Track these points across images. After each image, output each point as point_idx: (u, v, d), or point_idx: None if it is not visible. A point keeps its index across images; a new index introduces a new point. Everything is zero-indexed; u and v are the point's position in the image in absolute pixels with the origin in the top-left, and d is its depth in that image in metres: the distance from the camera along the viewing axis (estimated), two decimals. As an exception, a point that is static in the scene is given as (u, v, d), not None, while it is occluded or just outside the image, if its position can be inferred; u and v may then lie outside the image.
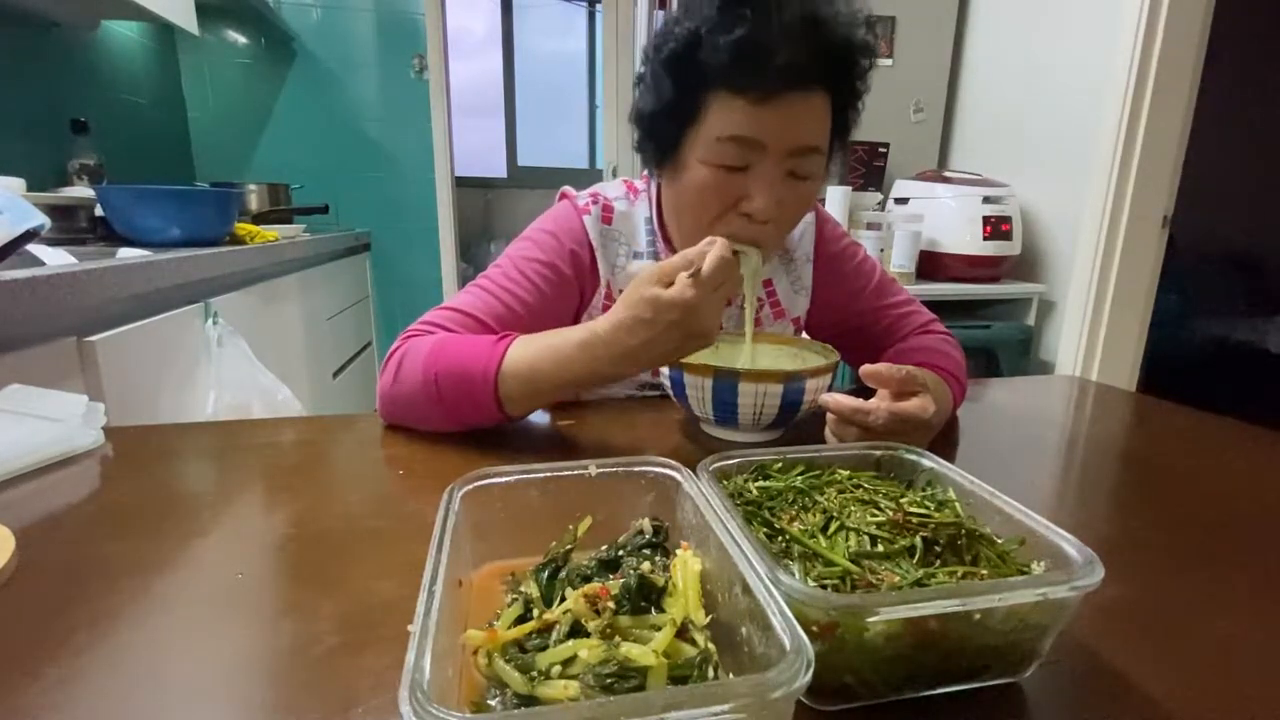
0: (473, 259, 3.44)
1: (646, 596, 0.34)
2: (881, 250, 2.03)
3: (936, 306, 1.00)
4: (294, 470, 0.64)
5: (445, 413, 0.67)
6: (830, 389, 0.68)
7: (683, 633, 0.32)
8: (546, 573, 0.37)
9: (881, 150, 2.31)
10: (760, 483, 0.46)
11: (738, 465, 0.48)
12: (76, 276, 0.89)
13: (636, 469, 0.44)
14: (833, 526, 0.41)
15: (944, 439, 0.72)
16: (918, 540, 0.38)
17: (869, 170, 2.31)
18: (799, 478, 0.46)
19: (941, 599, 0.31)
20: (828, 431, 0.67)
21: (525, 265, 0.79)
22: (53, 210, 1.36)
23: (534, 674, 0.29)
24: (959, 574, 0.37)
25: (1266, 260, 3.02)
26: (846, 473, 0.47)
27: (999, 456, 0.73)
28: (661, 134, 0.73)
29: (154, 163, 2.32)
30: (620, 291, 0.74)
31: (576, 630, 0.32)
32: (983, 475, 0.44)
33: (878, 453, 0.50)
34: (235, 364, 1.29)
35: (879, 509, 0.42)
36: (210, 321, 1.26)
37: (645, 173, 0.84)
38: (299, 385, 1.75)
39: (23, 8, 1.64)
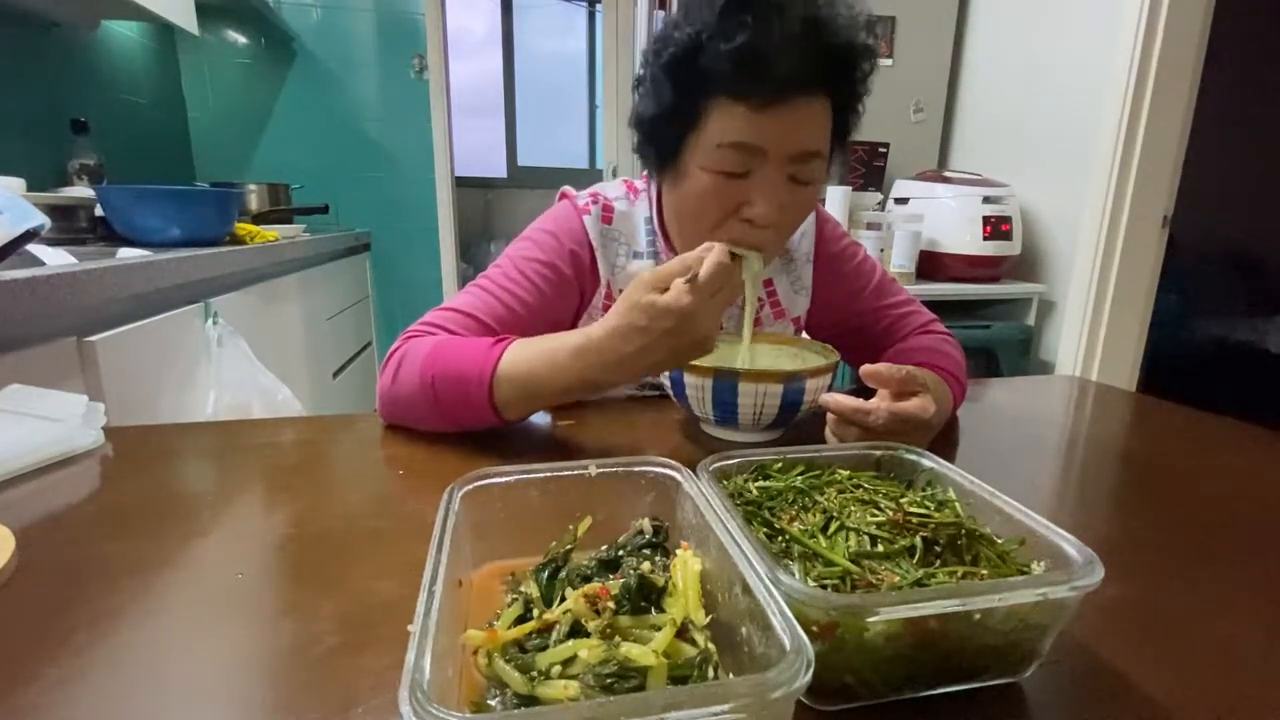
0: (473, 259, 3.44)
1: (646, 596, 0.34)
2: (881, 250, 2.03)
3: (936, 306, 1.00)
4: (294, 470, 0.64)
5: (442, 415, 0.67)
6: (830, 389, 0.68)
7: (683, 633, 0.32)
8: (546, 573, 0.37)
9: (881, 150, 2.31)
10: (760, 483, 0.46)
11: (738, 465, 0.48)
12: (76, 276, 0.89)
13: (636, 469, 0.44)
14: (833, 526, 0.41)
15: (944, 439, 0.72)
16: (918, 540, 0.38)
17: (869, 170, 2.31)
18: (799, 478, 0.46)
19: (941, 599, 0.31)
20: (828, 431, 0.67)
21: (525, 265, 0.79)
22: (53, 210, 1.36)
23: (534, 674, 0.29)
24: (959, 574, 0.37)
25: (1266, 260, 3.02)
26: (846, 473, 0.47)
27: (999, 456, 0.73)
28: (662, 139, 0.72)
29: (154, 163, 2.32)
30: (620, 291, 0.74)
31: (576, 630, 0.32)
32: (983, 475, 0.44)
33: (878, 453, 0.50)
34: (235, 364, 1.29)
35: (879, 509, 0.42)
36: (210, 321, 1.26)
37: (645, 173, 0.84)
38: (299, 385, 1.75)
39: (23, 8, 1.64)
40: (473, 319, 0.75)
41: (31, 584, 0.43)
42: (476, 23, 3.56)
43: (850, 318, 0.91)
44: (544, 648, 0.31)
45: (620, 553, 0.38)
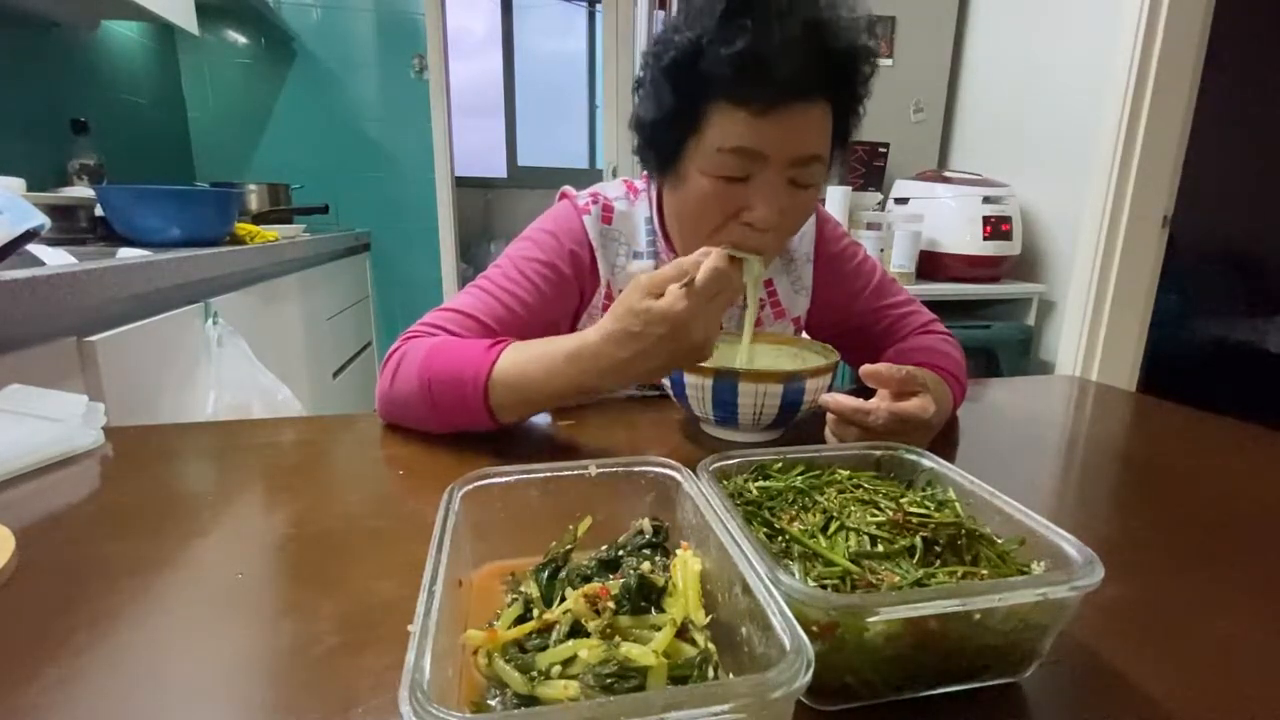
0: (473, 259, 3.44)
1: (646, 596, 0.34)
2: (881, 250, 2.03)
3: (936, 306, 1.00)
4: (294, 470, 0.64)
5: (439, 417, 0.67)
6: (830, 389, 0.68)
7: (683, 633, 0.32)
8: (546, 573, 0.37)
9: (881, 150, 2.31)
10: (760, 483, 0.46)
11: (738, 465, 0.48)
12: (76, 276, 0.89)
13: (636, 469, 0.44)
14: (833, 526, 0.41)
15: (944, 439, 0.72)
16: (918, 540, 0.38)
17: (869, 170, 2.31)
18: (799, 478, 0.46)
19: (941, 599, 0.31)
20: (828, 431, 0.67)
21: (525, 265, 0.79)
22: (53, 210, 1.36)
23: (534, 674, 0.29)
24: (959, 574, 0.37)
25: (1266, 260, 3.02)
26: (846, 473, 0.47)
27: (999, 456, 0.73)
28: (662, 143, 0.72)
29: (154, 163, 2.32)
30: (620, 291, 0.74)
31: (576, 630, 0.32)
32: (983, 475, 0.44)
33: (878, 453, 0.50)
34: (235, 364, 1.29)
35: (879, 509, 0.42)
36: (210, 321, 1.26)
37: (645, 173, 0.84)
38: (299, 385, 1.75)
39: (23, 8, 1.64)
40: (473, 319, 0.75)
41: (31, 584, 0.43)
42: (476, 23, 3.56)
43: (850, 318, 0.91)
44: (544, 648, 0.31)
45: (620, 553, 0.38)
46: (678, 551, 0.37)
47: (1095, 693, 0.36)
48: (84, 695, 0.34)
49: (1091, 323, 2.02)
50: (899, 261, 2.02)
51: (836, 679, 0.33)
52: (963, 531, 0.39)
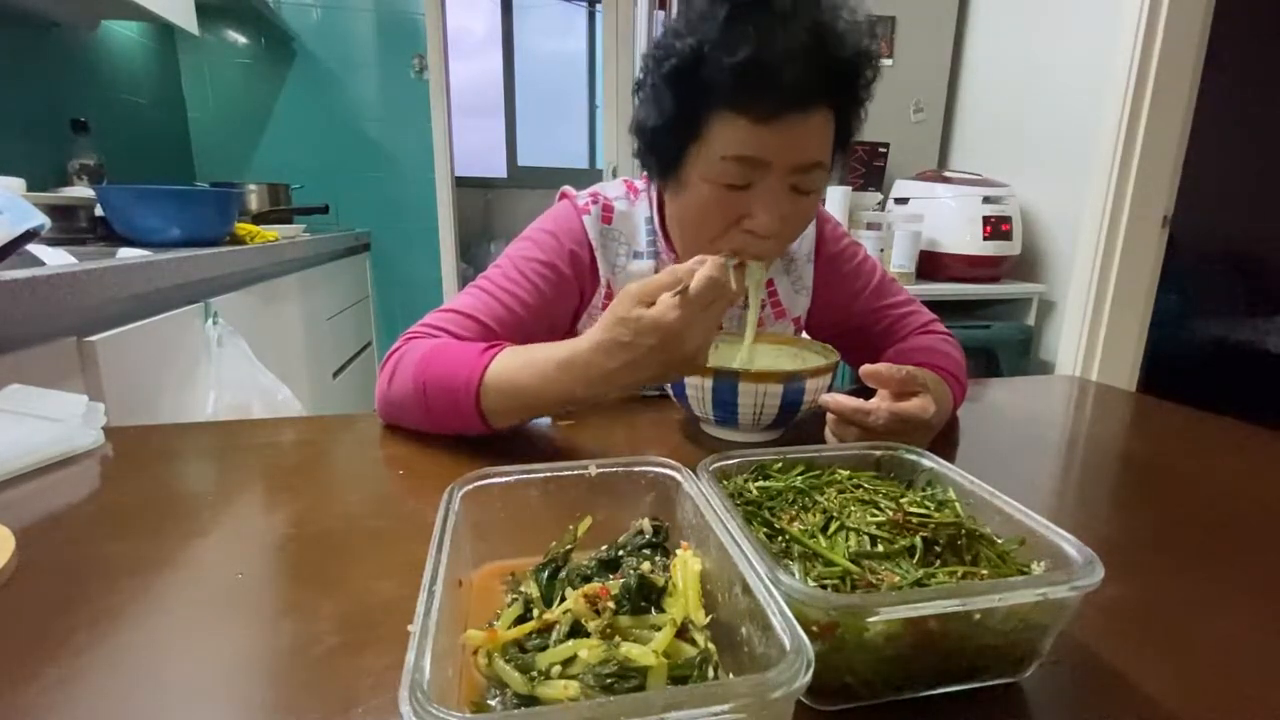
0: (473, 259, 3.44)
1: (646, 596, 0.34)
2: (881, 250, 2.03)
3: (936, 306, 1.00)
4: (294, 470, 0.64)
5: (435, 420, 0.67)
6: (830, 389, 0.68)
7: (683, 633, 0.32)
8: (546, 573, 0.37)
9: (881, 150, 2.31)
10: (760, 483, 0.46)
11: (738, 465, 0.48)
12: (76, 276, 0.89)
13: (636, 469, 0.44)
14: (833, 526, 0.41)
15: (944, 439, 0.72)
16: (918, 540, 0.38)
17: (869, 170, 2.31)
18: (799, 478, 0.46)
19: (941, 599, 0.31)
20: (828, 431, 0.67)
21: (525, 265, 0.79)
22: (53, 210, 1.36)
23: (534, 674, 0.29)
24: (959, 574, 0.37)
25: (1266, 260, 3.02)
26: (846, 473, 0.47)
27: (999, 456, 0.73)
28: (663, 149, 0.72)
29: (154, 163, 2.32)
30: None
31: (576, 630, 0.32)
32: (983, 475, 0.44)
33: (878, 453, 0.50)
34: (235, 364, 1.29)
35: (879, 509, 0.42)
36: (210, 321, 1.26)
37: (645, 173, 0.84)
38: (299, 385, 1.75)
39: (23, 8, 1.64)
40: (473, 320, 0.75)
41: (31, 584, 0.43)
42: (476, 23, 3.56)
43: (850, 318, 0.91)
44: (544, 648, 0.31)
45: (620, 553, 0.38)
46: (678, 551, 0.37)
47: (1095, 693, 0.36)
48: (84, 695, 0.34)
49: (1091, 323, 2.02)
50: (899, 261, 2.02)
51: (836, 679, 0.33)
52: (963, 531, 0.39)
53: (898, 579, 0.36)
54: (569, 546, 0.38)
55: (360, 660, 0.36)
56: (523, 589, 0.36)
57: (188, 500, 0.57)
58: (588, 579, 0.36)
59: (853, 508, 0.42)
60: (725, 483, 0.45)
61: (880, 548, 0.39)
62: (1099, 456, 0.76)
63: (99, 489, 0.59)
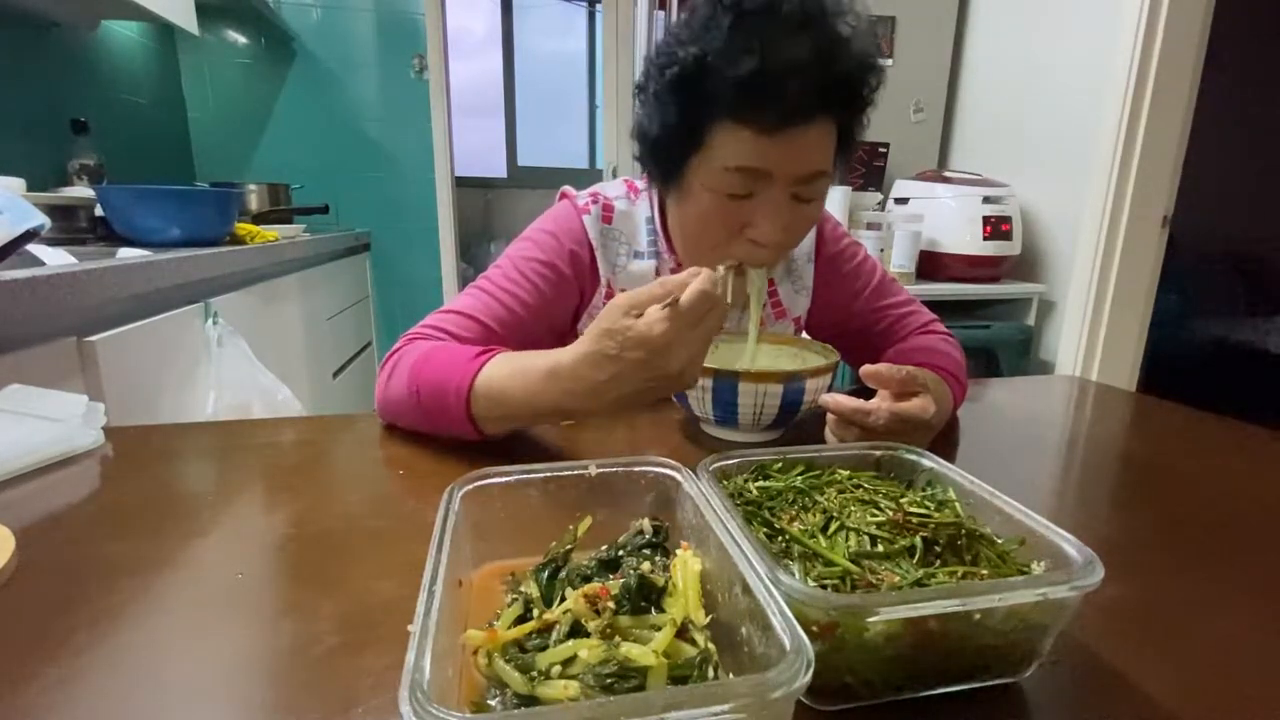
0: (473, 259, 3.44)
1: (646, 596, 0.34)
2: (881, 250, 2.03)
3: (936, 306, 1.00)
4: (294, 470, 0.64)
5: (430, 424, 0.66)
6: (830, 389, 0.68)
7: (683, 633, 0.32)
8: (546, 573, 0.37)
9: (881, 150, 2.31)
10: (760, 483, 0.46)
11: (738, 465, 0.47)
12: (76, 276, 0.89)
13: (636, 469, 0.44)
14: (833, 526, 0.41)
15: (944, 439, 0.72)
16: (918, 540, 0.38)
17: (869, 170, 2.31)
18: (799, 478, 0.46)
19: (941, 599, 0.31)
20: (828, 431, 0.67)
21: (525, 265, 0.79)
22: (53, 210, 1.36)
23: (534, 674, 0.29)
24: (959, 574, 0.37)
25: (1266, 260, 3.02)
26: (846, 473, 0.47)
27: (999, 456, 0.73)
28: (664, 157, 0.72)
29: (154, 163, 2.32)
30: (622, 291, 0.74)
31: (576, 630, 0.32)
32: (983, 475, 0.44)
33: (878, 453, 0.50)
34: (235, 364, 1.29)
35: (879, 509, 0.42)
36: (210, 321, 1.26)
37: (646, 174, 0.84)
38: (299, 385, 1.75)
39: (23, 8, 1.64)
40: (474, 320, 0.75)
41: (31, 584, 0.43)
42: (476, 23, 3.56)
43: (850, 318, 0.91)
44: (544, 648, 0.31)
45: (620, 553, 0.38)
46: (678, 551, 0.37)
47: (1095, 693, 0.36)
48: (84, 695, 0.34)
49: (1091, 323, 2.02)
50: (899, 261, 2.02)
51: (836, 679, 0.33)
52: (963, 531, 0.39)
53: (898, 579, 0.36)
54: (569, 546, 0.38)
55: (360, 660, 0.36)
56: (523, 589, 0.36)
57: (188, 500, 0.57)
58: (588, 579, 0.36)
59: (853, 508, 0.42)
60: (725, 483, 0.45)
61: (880, 548, 0.39)
62: (1099, 456, 0.76)
63: (99, 489, 0.59)
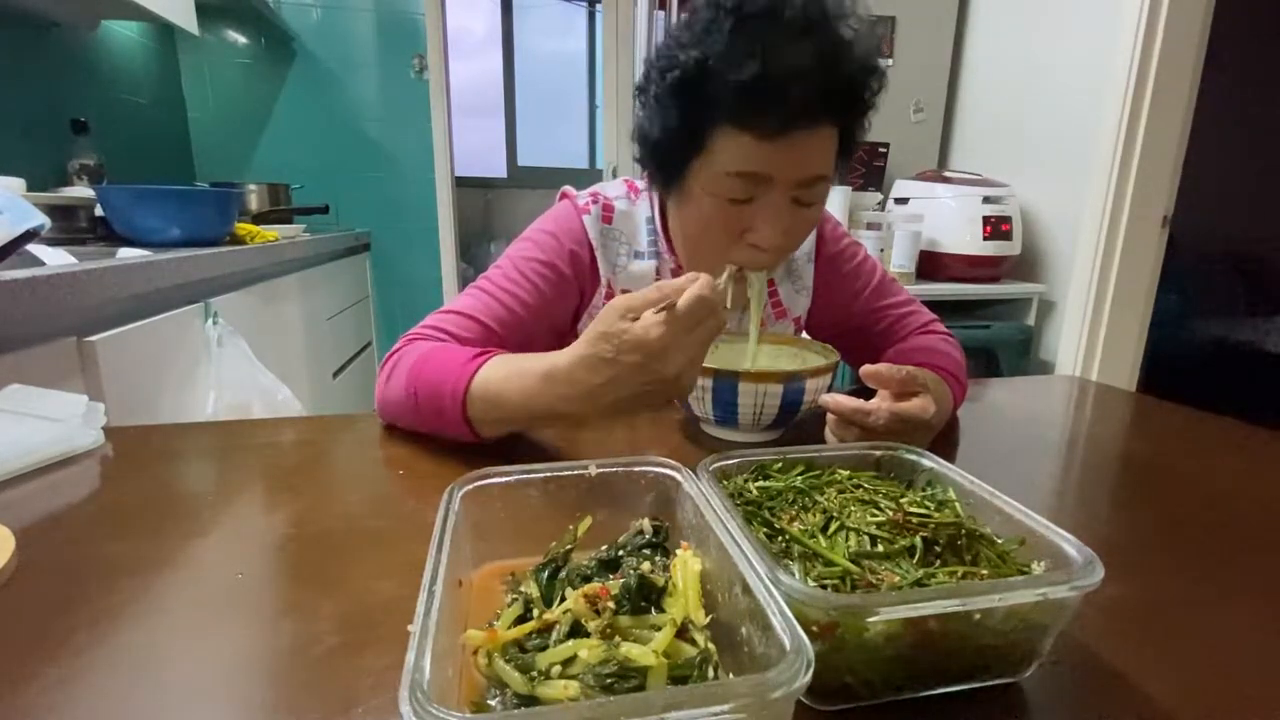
0: (473, 259, 3.44)
1: (646, 596, 0.34)
2: (881, 250, 2.03)
3: (936, 306, 1.00)
4: (294, 470, 0.64)
5: (428, 426, 0.66)
6: (830, 389, 0.68)
7: (683, 633, 0.32)
8: (546, 573, 0.37)
9: (881, 150, 2.31)
10: (760, 483, 0.46)
11: (738, 465, 0.47)
12: (76, 276, 0.89)
13: (636, 469, 0.44)
14: (833, 526, 0.41)
15: (944, 439, 0.72)
16: (918, 540, 0.38)
17: (869, 170, 2.31)
18: (799, 478, 0.46)
19: (941, 599, 0.31)
20: (828, 431, 0.67)
21: (525, 265, 0.79)
22: (53, 210, 1.36)
23: (534, 674, 0.29)
24: (959, 574, 0.37)
25: (1266, 260, 3.02)
26: (846, 473, 0.47)
27: (999, 456, 0.73)
28: (665, 160, 0.72)
29: (154, 163, 2.32)
30: (622, 291, 0.74)
31: (576, 630, 0.32)
32: (983, 475, 0.44)
33: (878, 453, 0.50)
34: (235, 364, 1.29)
35: (879, 509, 0.42)
36: (210, 321, 1.26)
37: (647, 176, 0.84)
38: (299, 385, 1.75)
39: (23, 8, 1.64)
40: (474, 321, 0.75)
41: (31, 584, 0.43)
42: (476, 23, 3.56)
43: (850, 318, 0.91)
44: (544, 648, 0.31)
45: (620, 553, 0.38)
46: (678, 551, 0.37)
47: (1095, 693, 0.36)
48: (84, 695, 0.34)
49: (1091, 323, 2.02)
50: (899, 261, 2.02)
51: (836, 679, 0.33)
52: (963, 531, 0.39)
53: (898, 579, 0.36)
54: (569, 546, 0.38)
55: (360, 660, 0.36)
56: (523, 589, 0.36)
57: (188, 500, 0.57)
58: (588, 579, 0.36)
59: (853, 508, 0.42)
60: (725, 483, 0.45)
61: (880, 548, 0.39)
62: (1099, 456, 0.76)
63: (99, 489, 0.59)
